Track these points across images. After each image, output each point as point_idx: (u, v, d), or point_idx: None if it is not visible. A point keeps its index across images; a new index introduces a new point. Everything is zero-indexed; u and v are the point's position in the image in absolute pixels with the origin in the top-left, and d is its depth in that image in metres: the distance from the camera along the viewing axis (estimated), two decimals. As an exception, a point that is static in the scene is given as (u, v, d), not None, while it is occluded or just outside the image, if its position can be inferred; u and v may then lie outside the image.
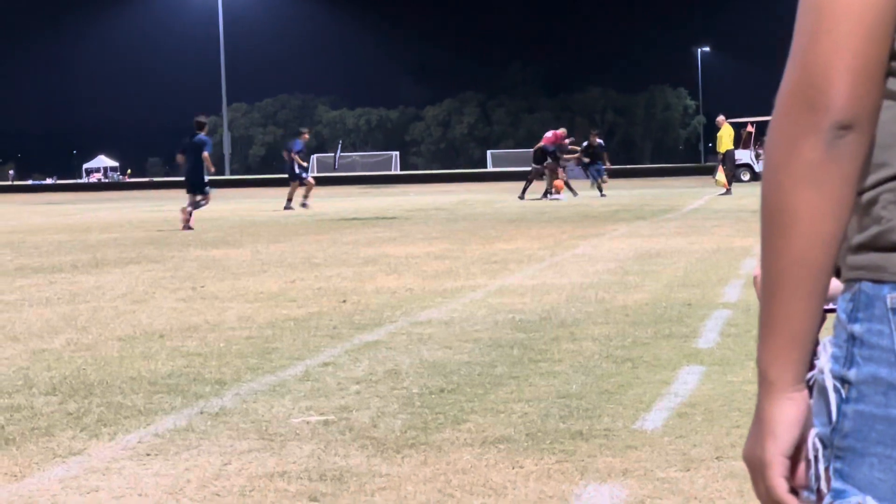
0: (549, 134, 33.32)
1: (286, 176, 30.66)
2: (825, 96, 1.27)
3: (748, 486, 4.19)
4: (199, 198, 22.01)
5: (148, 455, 5.04)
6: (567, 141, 33.51)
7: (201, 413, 5.81)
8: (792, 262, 1.29)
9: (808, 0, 1.29)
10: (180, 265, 14.06)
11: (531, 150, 35.93)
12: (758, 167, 44.42)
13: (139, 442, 5.27)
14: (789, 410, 1.32)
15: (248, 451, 5.08)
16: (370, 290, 10.90)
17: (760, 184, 1.33)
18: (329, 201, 29.97)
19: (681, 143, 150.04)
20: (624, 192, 34.60)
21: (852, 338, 1.33)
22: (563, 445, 5.00)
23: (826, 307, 1.34)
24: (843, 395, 1.33)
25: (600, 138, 36.19)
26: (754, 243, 14.66)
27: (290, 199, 29.60)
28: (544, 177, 32.43)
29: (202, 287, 11.51)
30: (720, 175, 33.63)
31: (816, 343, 1.35)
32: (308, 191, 29.54)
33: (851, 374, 1.33)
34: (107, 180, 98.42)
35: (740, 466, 4.49)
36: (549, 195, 31.91)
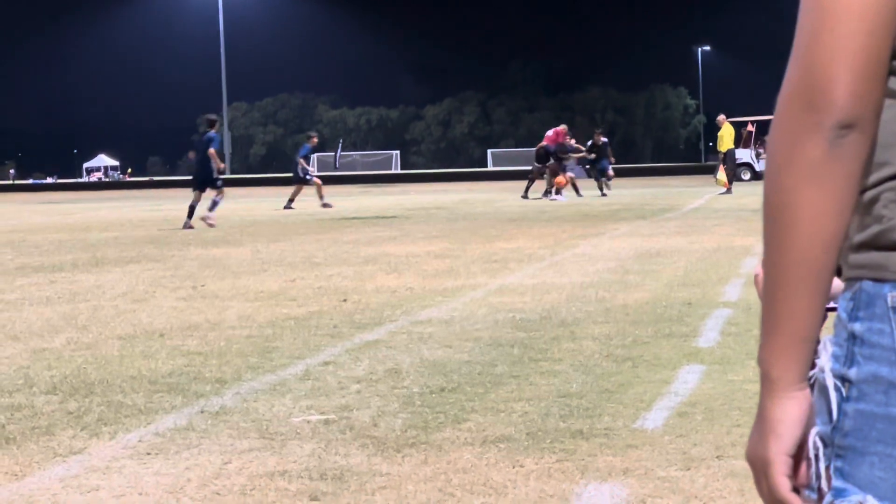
0: (549, 133, 33.27)
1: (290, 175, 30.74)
2: (827, 96, 1.27)
3: (749, 484, 4.20)
4: (214, 194, 22.10)
5: (148, 454, 5.04)
6: (570, 139, 33.47)
7: (202, 412, 5.81)
8: (794, 260, 1.29)
9: (809, -1, 1.30)
10: (181, 264, 14.06)
11: (531, 149, 35.93)
12: (758, 166, 44.43)
13: (140, 441, 5.27)
14: (792, 409, 1.32)
15: (248, 450, 5.08)
16: (370, 289, 10.90)
17: (762, 183, 1.33)
18: (329, 200, 29.93)
19: (681, 143, 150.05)
20: (624, 192, 34.60)
21: (853, 336, 1.33)
22: (563, 444, 5.00)
23: (827, 306, 1.34)
24: (844, 394, 1.33)
25: (604, 136, 36.09)
26: (755, 242, 14.67)
27: (291, 200, 29.60)
28: (545, 176, 32.40)
29: (202, 286, 11.51)
30: (721, 174, 33.63)
31: (817, 342, 1.35)
32: (319, 191, 29.53)
33: (852, 372, 1.33)
34: (107, 179, 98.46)
35: (741, 465, 4.50)
36: (549, 194, 31.88)
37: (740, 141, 43.09)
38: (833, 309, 1.40)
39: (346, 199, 32.21)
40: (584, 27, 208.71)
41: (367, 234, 19.12)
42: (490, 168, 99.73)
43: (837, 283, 1.39)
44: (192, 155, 23.50)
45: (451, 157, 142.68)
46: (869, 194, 1.32)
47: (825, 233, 1.28)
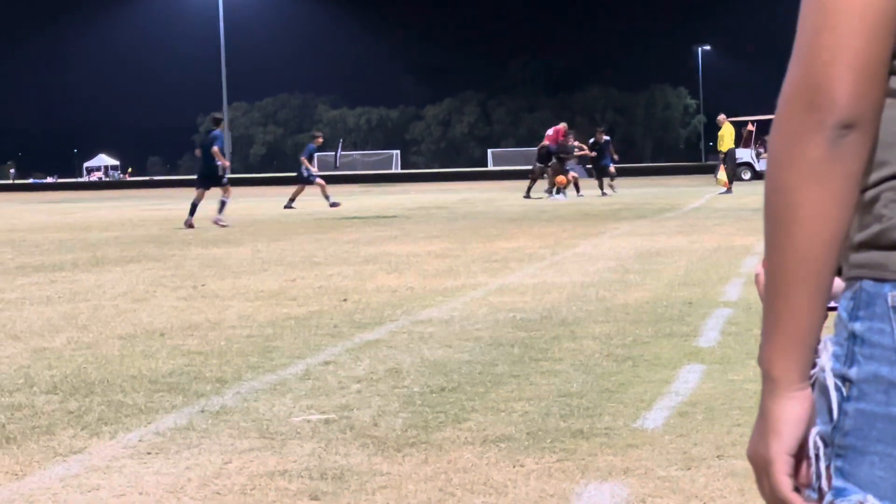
0: (549, 132, 33.21)
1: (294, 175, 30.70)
2: (828, 95, 1.27)
3: (749, 484, 4.20)
4: (220, 193, 22.14)
5: (149, 454, 5.04)
6: (572, 139, 33.43)
7: (202, 412, 5.81)
8: (795, 260, 1.29)
9: (810, -1, 1.30)
10: (181, 264, 14.07)
11: (531, 148, 35.88)
12: (758, 166, 44.45)
13: (140, 440, 5.27)
14: (793, 409, 1.32)
15: (248, 449, 5.08)
16: (371, 288, 10.90)
17: (763, 182, 1.33)
18: (336, 199, 29.89)
19: (681, 143, 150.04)
20: (625, 191, 34.57)
21: (853, 336, 1.33)
22: (563, 444, 5.00)
23: (828, 305, 1.34)
24: (844, 394, 1.33)
25: (606, 135, 35.96)
26: (755, 242, 14.67)
27: (292, 199, 29.57)
28: (546, 175, 32.35)
29: (203, 286, 11.51)
30: (721, 174, 33.62)
31: (818, 341, 1.35)
32: (324, 191, 29.50)
33: (852, 372, 1.33)
34: (107, 179, 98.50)
35: (741, 465, 4.50)
36: (551, 194, 31.84)
37: (740, 141, 43.08)
38: (834, 308, 1.40)
39: (347, 199, 32.20)
40: (584, 27, 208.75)
41: (368, 233, 19.12)
42: (490, 168, 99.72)
43: (838, 283, 1.39)
44: (198, 153, 23.68)
45: (452, 157, 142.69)
46: (869, 193, 1.32)
47: (826, 232, 1.28)
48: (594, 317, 8.68)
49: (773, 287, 1.32)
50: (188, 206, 22.70)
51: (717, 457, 4.73)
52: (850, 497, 1.32)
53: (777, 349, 1.32)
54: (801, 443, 1.32)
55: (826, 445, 1.33)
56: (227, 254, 15.44)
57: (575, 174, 32.97)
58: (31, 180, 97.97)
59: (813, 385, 1.35)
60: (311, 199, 31.02)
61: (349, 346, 7.64)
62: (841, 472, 1.33)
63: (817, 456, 1.33)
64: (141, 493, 4.47)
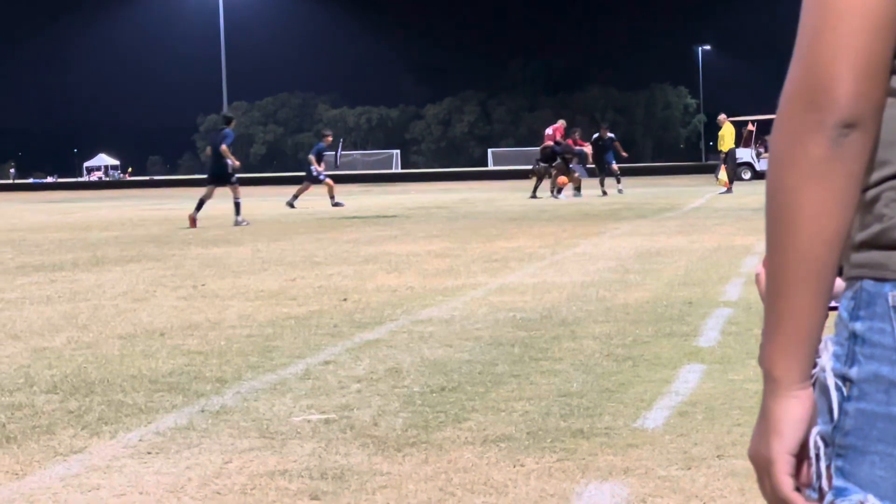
0: (549, 131, 33.15)
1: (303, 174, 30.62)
2: (829, 95, 1.27)
3: (749, 484, 4.20)
4: (231, 193, 22.17)
5: (149, 453, 5.04)
6: (578, 135, 33.34)
7: (202, 411, 5.81)
8: (796, 259, 1.29)
9: (811, -2, 1.30)
10: (181, 263, 14.06)
11: (531, 148, 35.79)
12: (759, 165, 44.47)
13: (140, 440, 5.27)
14: (794, 408, 1.32)
15: (249, 449, 5.08)
16: (371, 288, 10.90)
17: (765, 182, 1.33)
18: (340, 199, 29.89)
19: (681, 142, 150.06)
20: (625, 191, 34.55)
21: (854, 336, 1.33)
22: (564, 444, 5.00)
23: (829, 305, 1.34)
24: (845, 393, 1.33)
25: (610, 132, 35.58)
26: (755, 241, 14.66)
27: (295, 197, 29.49)
28: (549, 176, 32.28)
29: (203, 285, 11.51)
30: (722, 174, 33.60)
31: (819, 341, 1.35)
32: (331, 191, 29.49)
33: (853, 372, 1.33)
34: (107, 179, 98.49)
35: (741, 465, 4.50)
36: (554, 195, 31.81)
37: (741, 140, 43.08)
38: (835, 308, 1.40)
39: (347, 199, 32.17)
40: (585, 27, 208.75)
41: (368, 233, 19.12)
42: (490, 167, 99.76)
43: (839, 283, 1.39)
44: (208, 151, 23.76)
45: (452, 157, 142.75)
46: (870, 193, 1.32)
47: (827, 232, 1.28)
48: (594, 316, 8.68)
49: (774, 287, 1.32)
50: (188, 206, 22.70)
51: (718, 456, 4.73)
52: (851, 497, 1.32)
53: (778, 349, 1.32)
54: (803, 442, 1.32)
55: (827, 445, 1.33)
56: (228, 253, 15.44)
57: (578, 174, 32.85)
58: (31, 180, 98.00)
59: (814, 385, 1.35)
60: (312, 199, 31.01)
61: (349, 346, 7.64)
62: (841, 472, 1.33)
63: (818, 456, 1.33)
64: (141, 493, 4.47)
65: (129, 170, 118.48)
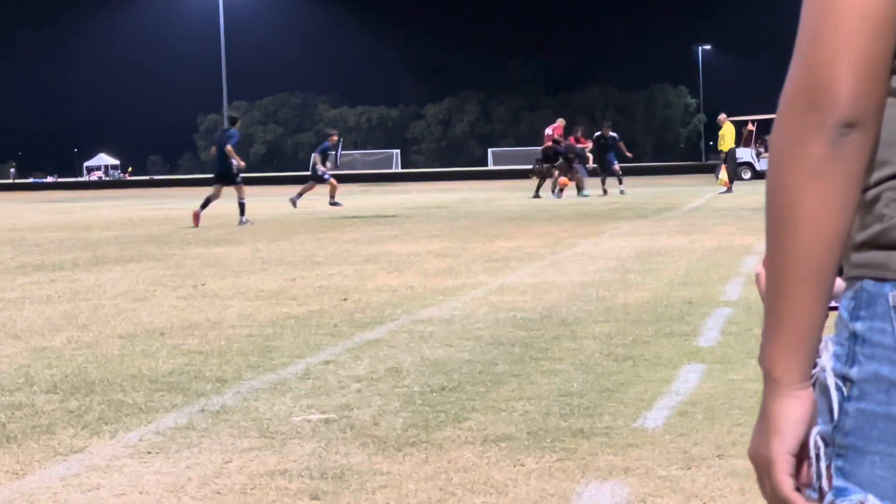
0: (549, 131, 33.09)
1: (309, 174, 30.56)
2: (829, 94, 1.26)
3: (749, 483, 4.20)
4: (236, 194, 22.19)
5: (149, 453, 5.04)
6: (581, 132, 33.24)
7: (202, 411, 5.81)
8: (797, 259, 1.29)
9: (812, -2, 1.30)
10: (181, 263, 14.07)
11: (531, 147, 35.70)
12: (759, 165, 44.48)
13: (140, 440, 5.27)
14: (794, 408, 1.31)
15: (249, 449, 5.08)
16: (371, 288, 10.90)
17: (765, 182, 1.33)
18: (338, 200, 29.89)
19: (682, 142, 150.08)
20: (626, 191, 34.53)
21: (854, 336, 1.33)
22: (564, 443, 5.00)
23: (829, 305, 1.34)
24: (845, 393, 1.33)
25: (612, 131, 35.20)
26: (755, 241, 14.67)
27: (299, 195, 29.37)
28: (552, 176, 32.21)
29: (203, 285, 11.52)
30: (723, 174, 33.58)
31: (819, 341, 1.35)
32: (333, 191, 29.47)
33: (853, 372, 1.33)
34: (107, 178, 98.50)
35: (742, 464, 4.50)
36: (555, 193, 31.77)
37: (741, 140, 43.09)
38: (835, 308, 1.40)
39: (347, 198, 32.20)
40: (585, 26, 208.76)
41: (368, 232, 19.13)
42: (490, 167, 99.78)
43: (839, 283, 1.39)
44: (213, 151, 23.79)
45: (452, 156, 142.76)
46: (870, 193, 1.32)
47: (827, 232, 1.28)
48: (594, 316, 8.68)
49: (774, 286, 1.32)
50: (189, 205, 22.72)
51: (718, 456, 4.73)
52: (851, 497, 1.32)
53: (778, 349, 1.32)
54: (803, 442, 1.32)
55: (827, 445, 1.33)
56: (228, 253, 15.44)
57: (580, 174, 32.76)
58: (31, 180, 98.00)
59: (814, 385, 1.35)
60: (313, 199, 31.00)
61: (349, 346, 7.64)
62: (842, 472, 1.32)
63: (818, 456, 1.33)
64: (141, 493, 4.48)
65: (130, 169, 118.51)
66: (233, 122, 23.79)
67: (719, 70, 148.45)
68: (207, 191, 22.71)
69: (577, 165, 32.75)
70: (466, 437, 5.17)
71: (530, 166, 36.13)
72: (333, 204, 28.99)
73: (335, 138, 30.18)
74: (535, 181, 33.25)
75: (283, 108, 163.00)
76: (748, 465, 1.35)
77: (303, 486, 4.48)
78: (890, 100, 1.30)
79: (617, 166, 33.80)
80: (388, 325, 8.50)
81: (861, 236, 1.33)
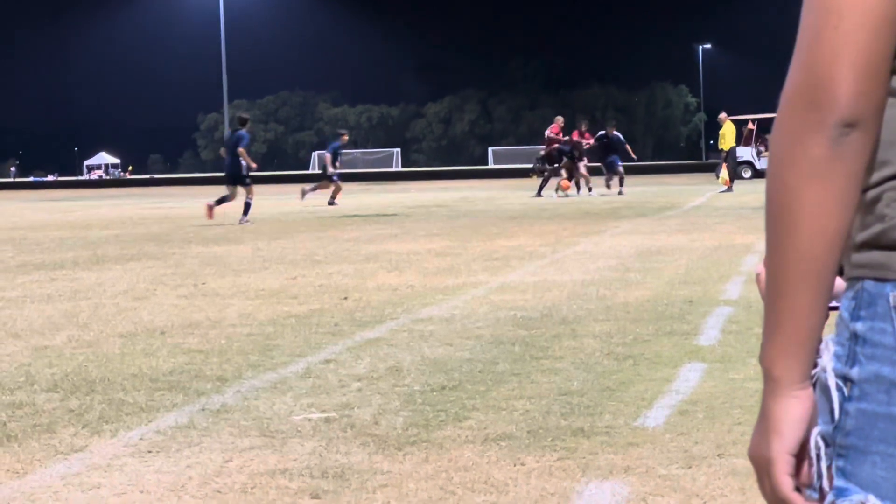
0: (548, 133, 33.01)
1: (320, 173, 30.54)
2: (829, 94, 1.26)
3: (750, 483, 4.20)
4: (244, 194, 22.22)
5: (149, 452, 5.04)
6: (585, 126, 33.16)
7: (203, 410, 5.81)
8: (797, 259, 1.29)
9: (812, -2, 1.29)
10: (181, 262, 14.07)
11: (532, 146, 35.61)
12: (759, 164, 44.47)
13: (141, 439, 5.28)
14: (794, 408, 1.31)
15: (249, 448, 5.08)
16: (371, 287, 10.90)
17: (765, 181, 1.33)
18: (330, 197, 29.89)
19: (682, 141, 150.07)
20: (625, 189, 34.50)
21: (855, 336, 1.33)
22: (564, 442, 5.00)
23: (829, 305, 1.34)
24: (846, 394, 1.33)
25: (617, 131, 34.95)
26: (756, 240, 14.66)
27: (314, 189, 29.36)
28: (557, 175, 32.17)
29: (203, 284, 11.52)
30: (724, 173, 33.57)
31: (820, 341, 1.35)
32: (336, 192, 29.47)
33: (854, 372, 1.33)
34: (108, 177, 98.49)
35: (742, 464, 4.50)
36: (557, 194, 31.73)
37: (741, 139, 43.09)
38: (835, 308, 1.40)
39: (347, 197, 32.20)
40: (585, 25, 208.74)
41: (368, 231, 19.13)
42: (491, 166, 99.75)
43: (840, 283, 1.39)
44: (223, 152, 23.79)
45: (452, 155, 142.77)
46: (871, 193, 1.32)
47: (827, 231, 1.28)
48: (595, 315, 8.68)
49: (774, 286, 1.32)
50: (189, 204, 22.74)
51: (718, 455, 4.73)
52: (852, 497, 1.32)
53: (778, 348, 1.32)
54: (803, 442, 1.32)
55: (827, 445, 1.33)
56: (228, 252, 15.44)
57: (585, 173, 32.67)
58: (31, 178, 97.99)
59: (814, 385, 1.35)
60: (314, 198, 31.00)
61: (350, 345, 7.64)
62: (842, 472, 1.32)
63: (819, 456, 1.32)
64: (142, 492, 4.48)
65: (130, 168, 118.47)
66: (243, 122, 23.62)
67: (720, 69, 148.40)
68: (208, 190, 22.72)
69: (579, 164, 32.61)
70: (467, 436, 5.17)
71: (531, 165, 36.09)
72: (331, 203, 29.02)
73: (346, 138, 30.16)
74: (535, 180, 33.22)
75: (284, 106, 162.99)
76: (749, 464, 1.35)
77: (303, 485, 4.49)
78: (890, 100, 1.30)
79: (621, 167, 33.70)
80: (388, 324, 8.50)
81: (862, 236, 1.33)
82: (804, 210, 1.28)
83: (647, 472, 4.54)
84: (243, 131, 23.14)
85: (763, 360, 1.34)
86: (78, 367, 7.01)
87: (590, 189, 32.42)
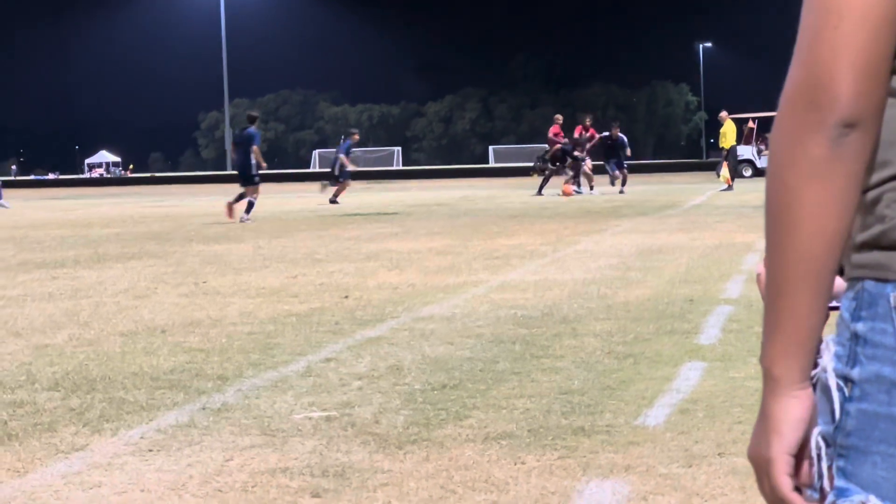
0: (551, 135, 32.95)
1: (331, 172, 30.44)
2: (829, 94, 1.26)
3: (750, 482, 4.20)
4: (250, 192, 22.25)
5: (150, 451, 5.05)
6: (589, 121, 33.09)
7: (203, 409, 5.81)
8: (796, 259, 1.29)
9: (812, -2, 1.29)
10: (182, 260, 14.07)
11: (532, 145, 35.57)
12: (760, 163, 44.48)
13: (141, 437, 5.28)
14: (794, 408, 1.32)
15: (250, 446, 5.08)
16: (372, 285, 10.90)
17: (765, 181, 1.33)
18: (332, 195, 29.88)
19: (683, 139, 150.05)
20: (626, 188, 34.48)
21: (855, 336, 1.33)
22: (565, 441, 5.00)
23: (830, 305, 1.34)
24: (847, 394, 1.33)
25: (621, 132, 34.83)
26: (756, 239, 14.66)
27: (336, 195, 29.36)
28: (563, 174, 32.14)
29: (204, 282, 11.52)
30: (725, 171, 33.57)
31: (820, 341, 1.35)
32: (340, 191, 29.46)
33: (855, 372, 1.33)
34: (108, 175, 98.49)
35: (742, 463, 4.50)
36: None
37: (742, 137, 43.10)
38: (836, 308, 1.40)
39: (348, 196, 32.18)
40: (586, 24, 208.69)
41: (369, 230, 19.13)
42: (491, 165, 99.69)
43: (840, 283, 1.39)
44: (232, 150, 23.76)
45: (453, 154, 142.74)
46: (871, 194, 1.32)
47: (827, 232, 1.28)
48: (595, 314, 8.68)
49: (773, 286, 1.32)
50: (190, 203, 22.76)
51: (719, 454, 4.73)
52: (853, 497, 1.32)
53: (778, 348, 1.32)
54: (802, 442, 1.32)
55: (828, 445, 1.33)
56: (229, 250, 15.44)
57: (589, 171, 32.62)
58: (32, 177, 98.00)
59: (815, 385, 1.35)
60: (313, 197, 30.98)
61: (350, 343, 7.65)
62: (843, 473, 1.32)
63: (819, 456, 1.32)
64: (142, 491, 4.48)
65: (131, 167, 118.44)
66: (252, 120, 23.47)
67: (720, 67, 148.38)
68: (208, 188, 22.73)
69: (583, 164, 32.55)
70: (467, 435, 5.17)
71: (531, 164, 36.07)
72: (333, 202, 29.02)
73: (357, 137, 30.14)
74: (536, 178, 33.19)
75: (285, 105, 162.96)
76: (749, 463, 1.35)
77: (304, 484, 4.49)
78: (890, 100, 1.30)
79: (626, 169, 33.72)
80: (389, 323, 8.50)
81: (862, 237, 1.33)
82: (804, 210, 1.28)
83: (647, 471, 4.54)
84: (253, 129, 23.06)
85: (763, 359, 1.34)
86: (79, 366, 7.01)
87: (591, 187, 32.43)
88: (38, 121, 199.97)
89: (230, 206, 22.21)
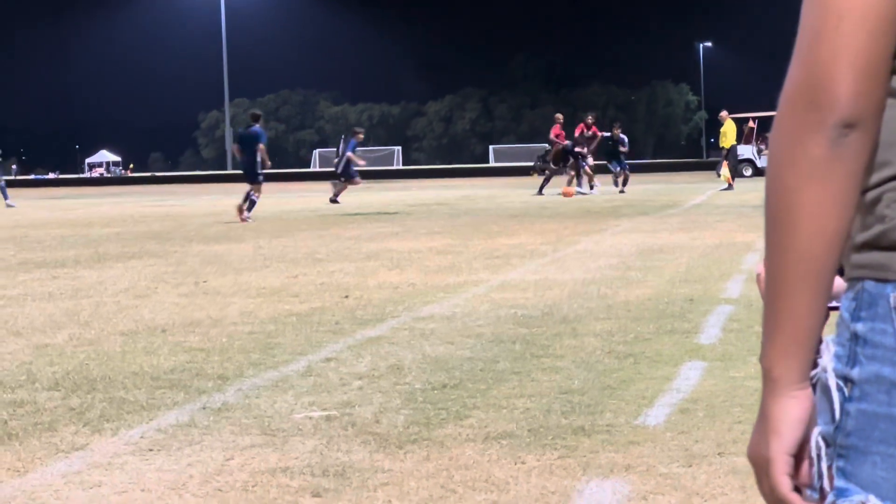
0: (552, 136, 32.92)
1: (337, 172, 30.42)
2: (829, 94, 1.26)
3: (750, 481, 4.20)
4: (253, 191, 22.25)
5: (150, 450, 5.05)
6: (591, 119, 33.04)
7: (204, 408, 5.82)
8: (796, 259, 1.29)
9: (812, -2, 1.29)
10: (182, 260, 14.07)
11: (533, 145, 35.59)
12: (760, 162, 44.49)
13: (142, 437, 5.28)
14: (793, 408, 1.32)
15: (250, 446, 5.08)
16: (372, 285, 10.90)
17: (764, 181, 1.33)
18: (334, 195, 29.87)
19: (683, 139, 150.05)
20: (626, 188, 34.49)
21: (855, 337, 1.33)
22: (565, 441, 5.00)
23: (829, 305, 1.34)
24: (846, 394, 1.33)
25: (622, 133, 34.77)
26: (756, 238, 14.66)
27: (336, 194, 29.34)
28: (565, 173, 32.11)
29: (204, 282, 11.52)
30: (725, 170, 33.58)
31: (820, 341, 1.35)
32: (341, 190, 29.46)
33: (854, 372, 1.33)
34: (109, 175, 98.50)
35: (742, 462, 4.50)
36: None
37: (742, 137, 43.12)
38: (835, 308, 1.40)
39: (348, 195, 32.18)
40: (586, 24, 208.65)
41: (369, 230, 19.13)
42: (491, 164, 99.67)
43: (840, 283, 1.39)
44: (235, 148, 23.74)
45: (453, 154, 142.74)
46: (871, 194, 1.32)
47: (826, 232, 1.28)
48: (595, 313, 8.68)
49: (773, 286, 1.32)
50: (190, 202, 22.76)
51: (719, 454, 4.73)
52: (852, 497, 1.32)
53: (777, 349, 1.32)
54: (802, 443, 1.32)
55: (828, 445, 1.33)
56: (229, 250, 15.45)
57: (590, 171, 32.59)
58: (32, 176, 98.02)
59: (815, 385, 1.35)
60: (314, 196, 31.00)
61: (351, 343, 7.65)
62: (843, 473, 1.33)
63: (819, 456, 1.33)
64: (143, 490, 4.48)
65: (131, 166, 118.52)
66: (256, 118, 23.44)
67: (720, 67, 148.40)
68: (208, 188, 22.74)
69: (583, 162, 32.50)
70: (468, 435, 5.17)
71: (531, 163, 36.07)
72: (333, 201, 29.02)
73: (361, 136, 30.13)
74: (536, 178, 33.19)
75: (285, 105, 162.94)
76: (749, 462, 1.36)
77: (304, 484, 4.49)
78: (890, 100, 1.30)
79: (627, 169, 33.73)
80: (389, 323, 8.50)
81: (862, 237, 1.33)
82: (803, 210, 1.28)
83: (647, 471, 4.54)
84: (258, 127, 23.01)
85: (763, 360, 1.34)
86: (79, 366, 7.02)
87: (592, 187, 32.42)
88: (38, 121, 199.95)
89: (240, 209, 22.20)
